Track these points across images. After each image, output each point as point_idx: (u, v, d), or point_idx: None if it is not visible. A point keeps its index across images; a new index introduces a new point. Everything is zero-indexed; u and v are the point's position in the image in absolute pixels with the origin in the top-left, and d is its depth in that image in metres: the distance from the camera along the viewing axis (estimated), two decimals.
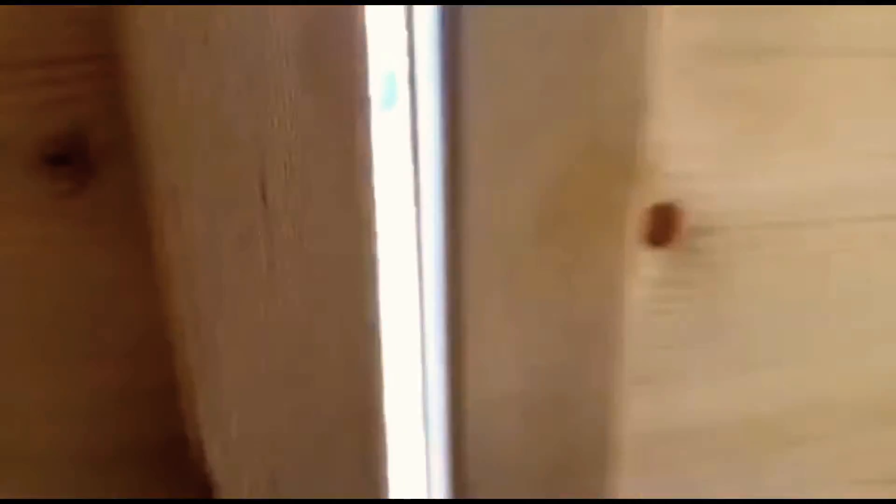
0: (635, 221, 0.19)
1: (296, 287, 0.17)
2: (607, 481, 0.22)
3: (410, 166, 0.19)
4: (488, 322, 0.19)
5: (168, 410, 0.19)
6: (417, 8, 0.18)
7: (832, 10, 0.19)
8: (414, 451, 0.23)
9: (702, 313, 0.23)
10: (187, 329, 0.16)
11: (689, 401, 0.24)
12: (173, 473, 0.19)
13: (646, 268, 0.21)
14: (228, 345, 0.17)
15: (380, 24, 0.19)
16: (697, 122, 0.19)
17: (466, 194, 0.16)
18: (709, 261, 0.22)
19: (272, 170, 0.16)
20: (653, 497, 0.27)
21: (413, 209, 0.19)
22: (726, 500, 0.33)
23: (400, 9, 0.18)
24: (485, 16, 0.16)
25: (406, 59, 0.19)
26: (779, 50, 0.19)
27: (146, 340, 0.18)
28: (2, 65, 0.16)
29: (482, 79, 0.16)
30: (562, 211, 0.17)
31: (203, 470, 0.17)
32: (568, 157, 0.17)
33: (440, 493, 0.22)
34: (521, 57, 0.16)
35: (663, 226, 0.20)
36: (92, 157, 0.17)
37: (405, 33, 0.18)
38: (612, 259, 0.18)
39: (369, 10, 0.16)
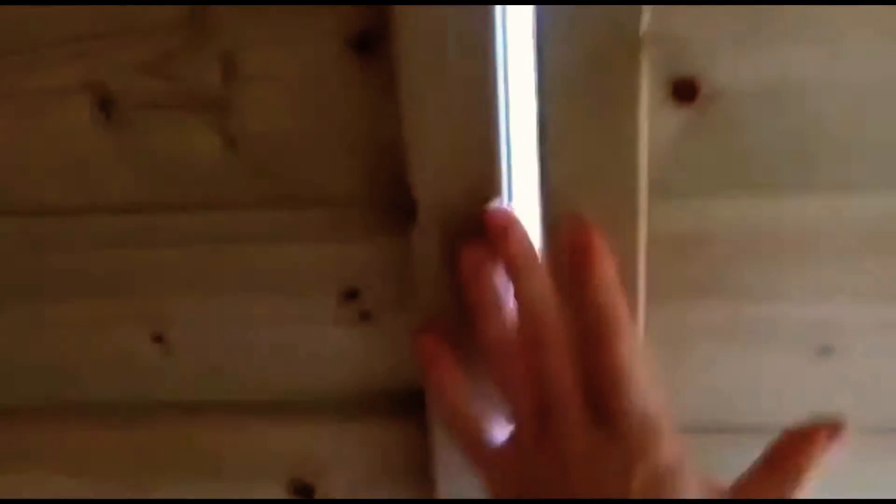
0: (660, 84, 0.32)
1: None
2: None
3: None
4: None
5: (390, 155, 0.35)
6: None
7: None
8: None
9: (718, 147, 0.34)
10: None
11: (705, 211, 0.36)
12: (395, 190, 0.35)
13: (677, 115, 0.33)
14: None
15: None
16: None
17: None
18: (723, 113, 0.33)
19: None
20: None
21: None
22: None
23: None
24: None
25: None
26: None
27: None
28: None
29: None
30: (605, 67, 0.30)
31: (412, 196, 0.33)
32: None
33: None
34: None
35: (686, 90, 0.32)
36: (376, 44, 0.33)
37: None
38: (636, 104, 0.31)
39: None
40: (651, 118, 0.33)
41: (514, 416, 0.36)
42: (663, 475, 0.31)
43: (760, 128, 0.34)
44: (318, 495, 0.45)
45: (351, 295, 0.40)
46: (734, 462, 0.40)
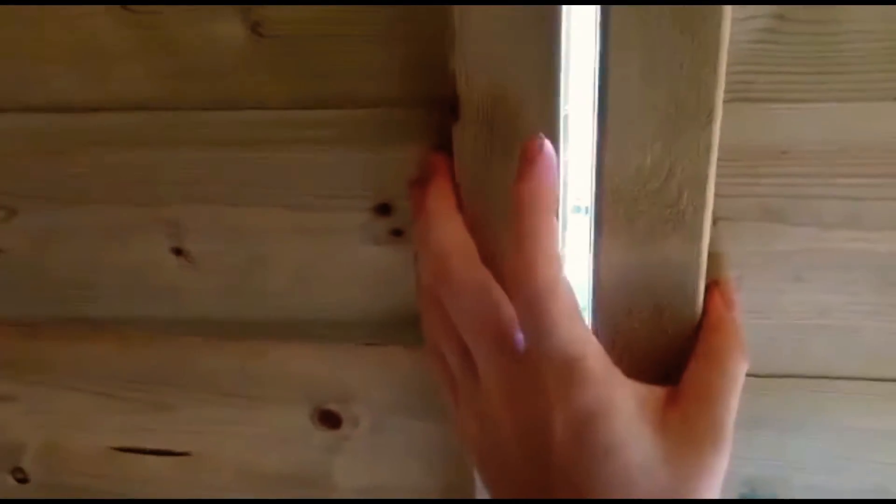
0: None
1: None
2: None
3: None
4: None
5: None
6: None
7: None
8: None
9: (811, 47, 0.30)
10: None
11: (791, 121, 0.31)
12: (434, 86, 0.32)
13: (763, 7, 0.29)
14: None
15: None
16: None
17: None
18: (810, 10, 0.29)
19: None
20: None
21: None
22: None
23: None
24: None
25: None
26: None
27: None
28: None
29: None
30: None
31: (455, 90, 0.29)
32: None
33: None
34: None
35: None
36: None
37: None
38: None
39: None
40: (733, 11, 0.29)
41: (454, 368, 0.33)
42: (588, 420, 0.28)
43: (861, 22, 0.30)
44: (345, 424, 0.44)
45: (383, 210, 0.37)
46: (795, 412, 0.38)
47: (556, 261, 0.29)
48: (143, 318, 0.42)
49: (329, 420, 0.43)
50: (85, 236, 0.40)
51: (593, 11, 0.29)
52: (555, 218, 0.29)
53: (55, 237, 0.41)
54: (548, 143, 0.29)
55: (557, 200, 0.29)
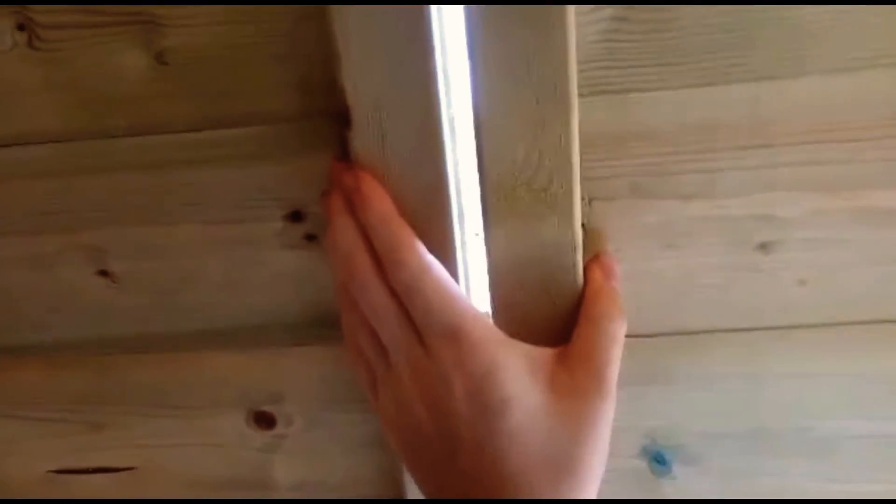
0: None
1: None
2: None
3: None
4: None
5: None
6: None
7: None
8: None
9: (654, 41, 0.34)
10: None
11: (645, 108, 0.36)
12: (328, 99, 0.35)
13: (606, 9, 0.33)
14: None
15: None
16: None
17: None
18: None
19: None
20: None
21: None
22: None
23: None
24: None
25: None
26: None
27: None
28: None
29: None
30: None
31: (346, 102, 0.33)
32: None
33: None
34: None
35: None
36: None
37: None
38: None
39: None
40: (580, 11, 0.33)
41: (371, 359, 0.37)
42: (481, 379, 0.32)
43: (693, 17, 0.34)
44: (279, 424, 0.46)
45: (295, 217, 0.40)
46: (681, 366, 0.42)
47: (419, 250, 0.33)
48: (72, 341, 0.44)
49: (264, 421, 0.46)
50: (4, 268, 0.42)
51: (463, 16, 0.32)
52: (399, 219, 0.34)
53: None
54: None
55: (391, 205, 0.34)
